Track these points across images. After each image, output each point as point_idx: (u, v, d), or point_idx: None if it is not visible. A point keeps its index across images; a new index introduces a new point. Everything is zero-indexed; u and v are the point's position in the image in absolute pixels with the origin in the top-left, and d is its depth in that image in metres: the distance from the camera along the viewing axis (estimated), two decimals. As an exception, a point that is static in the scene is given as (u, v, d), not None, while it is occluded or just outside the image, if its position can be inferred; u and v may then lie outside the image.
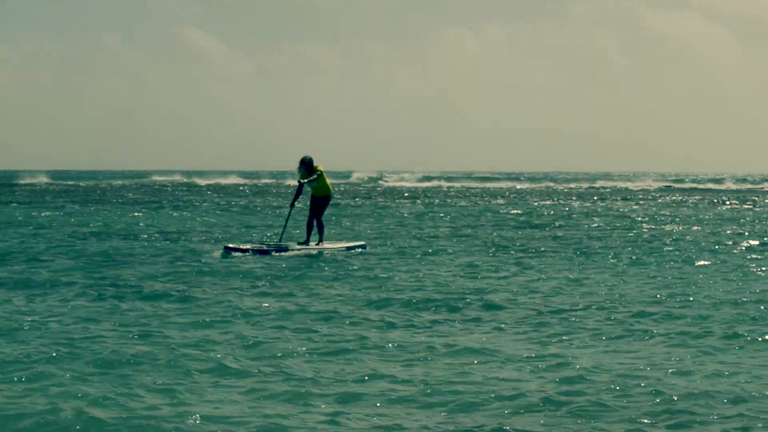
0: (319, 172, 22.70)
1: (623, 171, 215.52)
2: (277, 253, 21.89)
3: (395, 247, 24.27)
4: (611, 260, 21.58)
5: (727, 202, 58.59)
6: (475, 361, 10.71)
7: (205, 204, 51.56)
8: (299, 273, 18.34)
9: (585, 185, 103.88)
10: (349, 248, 23.08)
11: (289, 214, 24.09)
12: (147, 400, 8.91)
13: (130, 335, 11.87)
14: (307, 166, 22.74)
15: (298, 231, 28.08)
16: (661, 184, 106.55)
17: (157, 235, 28.41)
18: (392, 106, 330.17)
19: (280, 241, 23.30)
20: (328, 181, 23.17)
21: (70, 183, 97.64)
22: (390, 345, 11.51)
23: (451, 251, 23.36)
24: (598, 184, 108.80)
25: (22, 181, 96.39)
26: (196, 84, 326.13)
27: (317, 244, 22.84)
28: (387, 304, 14.62)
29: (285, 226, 24.15)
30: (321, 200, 23.04)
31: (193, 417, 8.40)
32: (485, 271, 19.12)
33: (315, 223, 23.11)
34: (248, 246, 22.21)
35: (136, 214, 40.49)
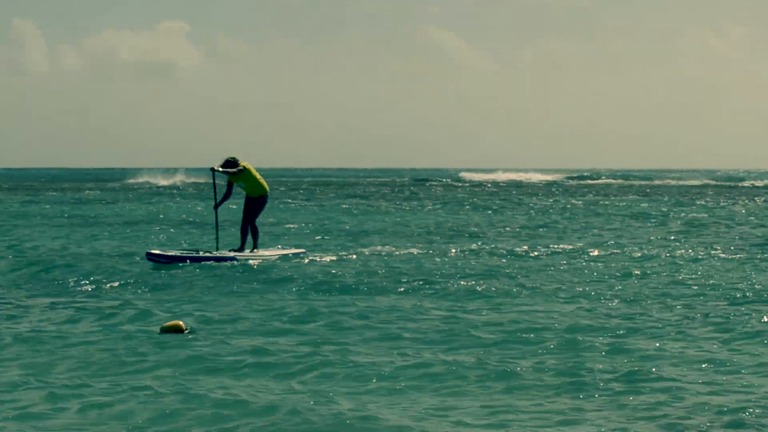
0: (242, 168, 19.93)
1: None
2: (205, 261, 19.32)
3: None
4: None
5: None
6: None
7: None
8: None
9: None
10: (287, 256, 20.47)
11: (216, 217, 20.92)
12: None
13: None
14: (227, 165, 19.95)
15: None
16: None
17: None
18: (638, 105, 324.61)
19: (216, 249, 20.50)
20: (261, 179, 20.39)
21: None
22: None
23: None
24: None
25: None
26: (440, 80, 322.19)
27: (251, 251, 20.25)
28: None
29: (216, 231, 21.07)
30: (255, 201, 20.42)
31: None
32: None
33: (249, 228, 20.51)
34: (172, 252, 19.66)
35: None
